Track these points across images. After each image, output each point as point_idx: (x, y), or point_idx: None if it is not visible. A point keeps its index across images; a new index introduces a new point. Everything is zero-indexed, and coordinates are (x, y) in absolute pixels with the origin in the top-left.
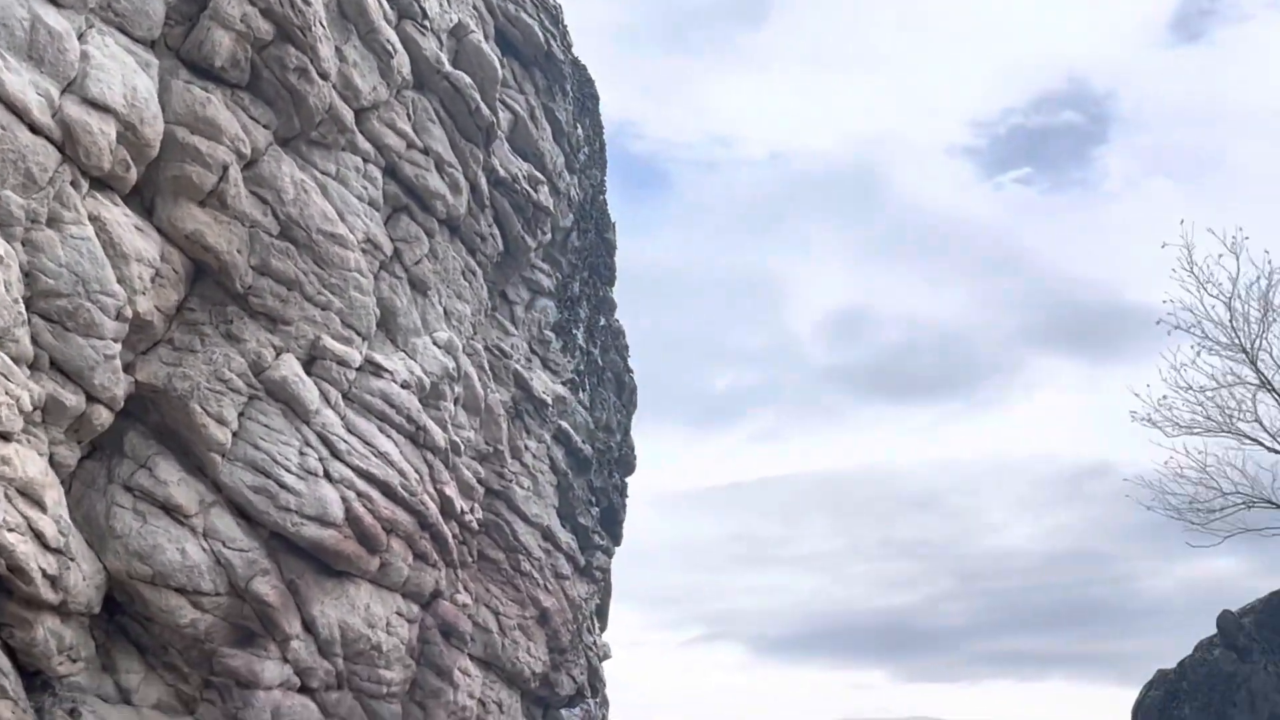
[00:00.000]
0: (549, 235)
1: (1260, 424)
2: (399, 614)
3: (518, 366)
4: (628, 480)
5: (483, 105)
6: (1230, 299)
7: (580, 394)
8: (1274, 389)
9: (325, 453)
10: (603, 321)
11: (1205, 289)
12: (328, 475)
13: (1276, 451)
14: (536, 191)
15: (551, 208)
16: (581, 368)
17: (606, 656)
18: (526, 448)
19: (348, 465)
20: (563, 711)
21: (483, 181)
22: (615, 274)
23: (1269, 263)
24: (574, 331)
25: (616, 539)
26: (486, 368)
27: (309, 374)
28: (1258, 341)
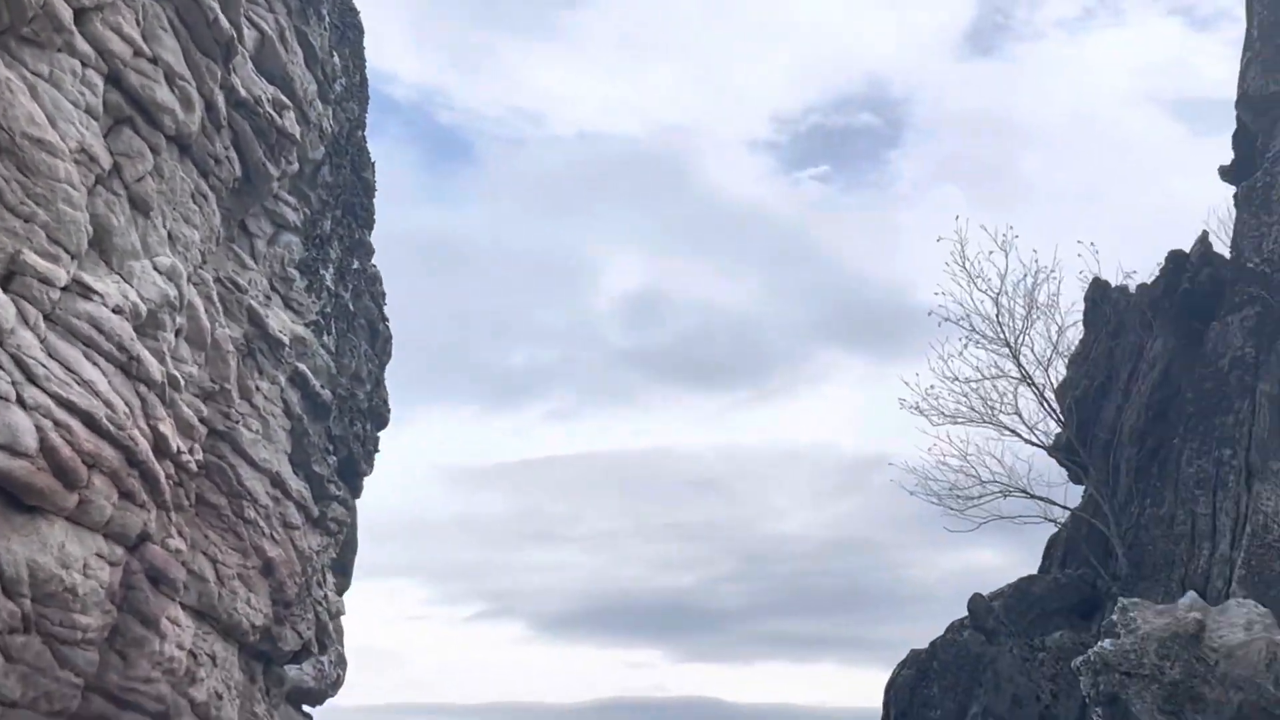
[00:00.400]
0: (296, 166)
1: (1019, 416)
2: (99, 556)
3: (253, 302)
4: (379, 434)
5: (223, 18)
6: (998, 295)
7: (325, 337)
8: (1034, 384)
9: (19, 376)
10: (356, 265)
11: (975, 284)
12: (21, 401)
13: (1033, 444)
14: (281, 117)
15: (299, 137)
16: (329, 310)
17: (340, 613)
18: (258, 388)
19: (45, 392)
20: (289, 668)
21: (220, 100)
22: (374, 217)
23: (1036, 261)
24: (321, 272)
25: (356, 491)
26: (216, 300)
27: (6, 291)
28: (1021, 337)
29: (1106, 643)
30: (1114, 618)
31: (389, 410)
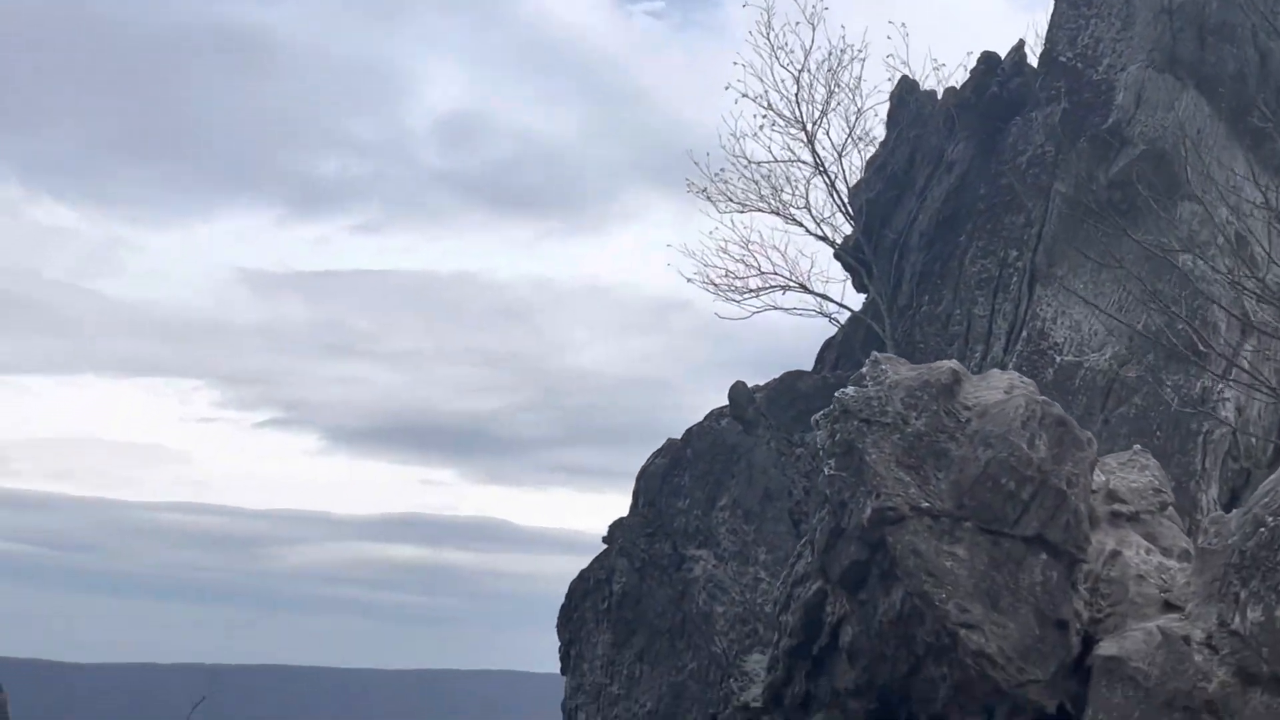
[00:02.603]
0: None
1: (809, 209)
2: None
3: None
4: None
5: None
6: (800, 72)
7: None
8: (827, 173)
9: None
10: None
11: (778, 56)
12: None
13: (819, 238)
14: None
15: None
16: None
17: None
18: None
19: None
20: None
21: None
22: None
23: (843, 39)
24: None
25: None
26: None
27: None
28: (820, 122)
29: (850, 389)
30: (864, 370)
31: None
